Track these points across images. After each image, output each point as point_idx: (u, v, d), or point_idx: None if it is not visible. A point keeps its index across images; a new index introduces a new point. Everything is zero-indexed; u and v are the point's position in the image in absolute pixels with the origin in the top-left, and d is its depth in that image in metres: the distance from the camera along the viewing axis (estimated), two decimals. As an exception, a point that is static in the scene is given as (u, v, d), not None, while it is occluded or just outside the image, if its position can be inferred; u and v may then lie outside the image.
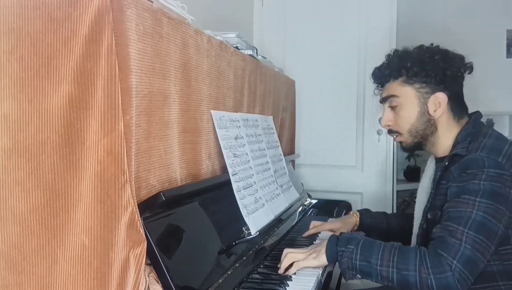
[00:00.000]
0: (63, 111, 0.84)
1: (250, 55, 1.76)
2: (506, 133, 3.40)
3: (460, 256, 1.11)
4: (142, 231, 0.87)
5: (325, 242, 1.30)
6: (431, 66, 1.33)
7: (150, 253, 0.92)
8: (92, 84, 0.84)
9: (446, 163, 1.31)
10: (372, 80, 1.50)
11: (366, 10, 2.74)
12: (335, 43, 2.78)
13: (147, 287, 0.90)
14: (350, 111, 2.79)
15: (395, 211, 2.79)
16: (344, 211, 2.23)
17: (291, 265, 1.30)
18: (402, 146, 1.44)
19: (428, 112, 1.34)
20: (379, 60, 2.86)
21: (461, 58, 1.37)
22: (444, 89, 1.33)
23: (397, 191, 2.86)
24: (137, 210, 0.87)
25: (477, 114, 1.39)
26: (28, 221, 0.85)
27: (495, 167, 1.18)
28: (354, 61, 2.77)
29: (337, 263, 1.29)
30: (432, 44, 1.39)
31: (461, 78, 1.37)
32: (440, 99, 1.33)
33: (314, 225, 1.69)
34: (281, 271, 1.29)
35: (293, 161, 2.50)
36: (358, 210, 1.74)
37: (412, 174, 3.18)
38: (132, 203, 0.85)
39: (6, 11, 0.85)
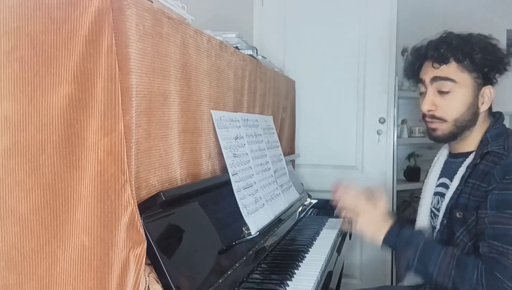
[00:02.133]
0: (63, 111, 0.84)
1: (250, 55, 1.76)
2: (506, 133, 3.39)
3: None
4: (142, 231, 0.87)
5: (388, 222, 1.30)
6: (494, 57, 1.28)
7: (150, 253, 0.92)
8: (92, 84, 0.84)
9: (478, 161, 1.27)
10: (415, 55, 1.37)
11: (366, 10, 2.74)
12: (335, 43, 2.78)
13: (147, 287, 0.90)
14: (350, 111, 2.79)
15: (395, 211, 2.79)
16: (344, 211, 2.23)
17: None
18: (436, 134, 1.33)
19: (477, 104, 1.29)
20: (379, 60, 2.87)
21: (508, 56, 1.33)
22: (494, 84, 1.30)
23: (397, 191, 2.86)
24: (137, 210, 0.87)
25: (502, 114, 1.36)
26: (28, 221, 0.85)
27: None
28: (354, 61, 2.77)
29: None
30: (490, 35, 1.34)
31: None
32: (488, 93, 1.29)
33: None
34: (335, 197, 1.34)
35: (293, 161, 2.50)
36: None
37: (412, 174, 3.18)
38: (132, 203, 0.85)
39: (6, 11, 0.85)
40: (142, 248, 0.87)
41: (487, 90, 1.30)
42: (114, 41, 0.83)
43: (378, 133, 2.74)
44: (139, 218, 0.87)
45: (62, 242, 0.84)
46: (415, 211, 3.30)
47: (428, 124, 1.35)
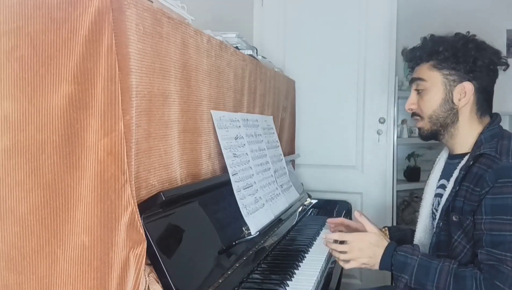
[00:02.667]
0: (63, 111, 0.84)
1: (250, 55, 1.76)
2: (506, 133, 3.39)
3: None
4: (142, 231, 0.87)
5: (382, 247, 1.29)
6: (462, 53, 1.30)
7: (150, 253, 0.92)
8: (92, 84, 0.84)
9: (471, 163, 1.28)
10: (403, 60, 1.48)
11: (366, 10, 2.74)
12: (335, 43, 2.78)
13: (147, 287, 0.90)
14: (350, 111, 2.79)
15: (395, 211, 2.79)
16: (344, 211, 2.23)
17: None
18: (420, 133, 1.41)
19: (452, 100, 1.32)
20: (379, 60, 2.87)
21: (497, 52, 1.34)
22: (472, 79, 1.31)
23: (397, 191, 2.86)
24: (137, 210, 0.87)
25: (499, 116, 1.36)
26: (28, 221, 0.85)
27: None
28: (354, 61, 2.77)
29: None
30: (468, 32, 1.36)
31: (493, 72, 1.34)
32: (466, 88, 1.30)
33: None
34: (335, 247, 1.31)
35: (293, 161, 2.50)
36: (384, 227, 1.67)
37: (412, 174, 3.18)
38: (132, 203, 0.85)
39: (6, 11, 0.85)
40: (142, 248, 0.87)
41: (462, 86, 1.31)
42: (114, 41, 0.83)
43: (378, 133, 2.74)
44: (139, 218, 0.87)
45: (62, 242, 0.84)
46: (415, 211, 3.30)
47: (414, 122, 1.43)
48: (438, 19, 3.14)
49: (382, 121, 2.72)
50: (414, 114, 1.40)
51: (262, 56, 2.07)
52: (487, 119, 1.35)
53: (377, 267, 1.28)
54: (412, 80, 1.40)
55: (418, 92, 1.37)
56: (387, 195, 2.76)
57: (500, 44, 3.34)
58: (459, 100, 1.31)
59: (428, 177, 1.51)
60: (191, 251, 1.07)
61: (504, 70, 1.36)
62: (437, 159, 1.49)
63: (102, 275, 0.84)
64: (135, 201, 0.87)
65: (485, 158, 1.24)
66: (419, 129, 1.41)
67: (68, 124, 0.84)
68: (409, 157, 3.20)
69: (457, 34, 1.35)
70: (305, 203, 2.18)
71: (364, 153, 2.78)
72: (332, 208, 2.26)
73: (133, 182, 0.88)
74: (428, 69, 1.35)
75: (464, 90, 1.31)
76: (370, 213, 2.71)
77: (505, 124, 3.46)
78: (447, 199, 1.33)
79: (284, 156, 2.02)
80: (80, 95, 0.84)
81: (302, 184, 2.34)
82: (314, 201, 2.30)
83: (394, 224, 2.76)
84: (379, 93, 2.73)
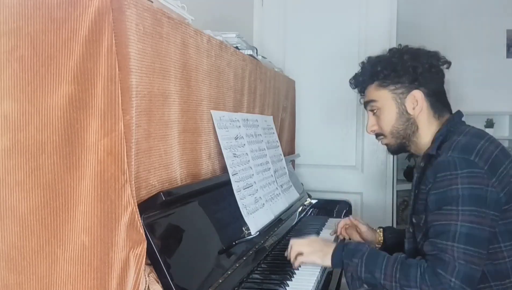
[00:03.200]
0: (63, 111, 0.84)
1: (250, 55, 1.76)
2: (506, 133, 3.39)
3: (457, 273, 1.11)
4: (142, 231, 0.87)
5: (333, 245, 1.32)
6: (400, 66, 1.33)
7: (150, 253, 0.92)
8: (92, 84, 0.84)
9: (422, 165, 1.32)
10: (351, 88, 1.51)
11: (366, 10, 2.74)
12: (335, 43, 2.78)
13: (147, 287, 0.90)
14: (350, 111, 2.79)
15: (395, 211, 2.79)
16: (344, 211, 2.23)
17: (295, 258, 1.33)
18: (388, 149, 1.45)
19: (406, 112, 1.34)
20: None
21: (434, 54, 1.36)
22: (419, 86, 1.33)
23: (397, 191, 2.86)
24: (137, 210, 0.87)
25: (457, 113, 1.37)
26: (28, 221, 0.85)
27: (467, 167, 1.16)
28: (354, 61, 2.74)
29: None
30: (400, 44, 1.40)
31: (437, 74, 1.36)
32: (416, 97, 1.33)
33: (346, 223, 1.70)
34: (291, 257, 1.34)
35: (293, 161, 2.50)
36: (379, 227, 1.69)
37: (412, 174, 3.17)
38: (132, 203, 0.85)
39: (6, 11, 0.85)
40: (142, 248, 0.87)
41: (412, 96, 1.33)
42: (114, 41, 0.83)
43: (378, 133, 2.74)
44: (139, 218, 0.87)
45: (62, 242, 0.84)
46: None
47: (380, 142, 1.46)
48: (438, 19, 3.15)
49: (382, 121, 2.72)
50: (377, 135, 1.43)
51: (262, 56, 2.07)
52: (446, 118, 1.36)
53: (329, 261, 1.29)
54: (366, 104, 1.43)
55: (374, 113, 1.40)
56: (387, 195, 2.76)
57: (500, 44, 3.36)
58: (413, 109, 1.34)
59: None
60: (191, 251, 1.07)
61: (447, 68, 1.37)
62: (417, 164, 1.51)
63: (102, 275, 0.84)
64: (135, 201, 0.87)
65: (431, 158, 1.28)
66: (386, 145, 1.44)
67: (68, 124, 0.84)
68: (409, 157, 3.20)
69: (390, 49, 1.40)
70: (305, 203, 2.18)
71: (364, 153, 2.79)
72: (332, 208, 2.26)
73: (133, 182, 0.88)
74: (375, 89, 1.38)
75: (415, 98, 1.33)
76: (370, 213, 2.71)
77: (505, 124, 3.46)
78: (410, 204, 1.37)
79: (284, 156, 2.02)
80: (80, 95, 0.84)
81: (302, 184, 2.34)
82: (314, 201, 2.30)
83: (394, 224, 2.77)
84: (379, 93, 2.72)
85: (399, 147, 1.41)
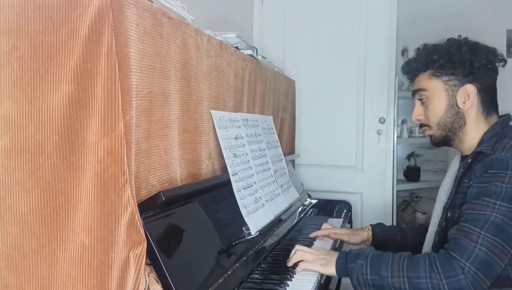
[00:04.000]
0: (63, 111, 0.84)
1: (250, 55, 1.76)
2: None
3: (474, 258, 1.10)
4: (142, 231, 0.87)
5: (336, 254, 1.30)
6: (458, 58, 1.31)
7: (150, 253, 0.92)
8: (92, 84, 0.84)
9: (469, 161, 1.30)
10: (402, 74, 1.49)
11: (366, 10, 2.74)
12: (335, 43, 2.77)
13: (147, 287, 0.90)
14: (350, 111, 2.79)
15: (395, 211, 2.79)
16: (344, 211, 2.23)
17: (297, 263, 1.32)
18: (432, 140, 1.42)
19: (457, 105, 1.33)
20: (379, 60, 2.87)
21: (492, 50, 1.35)
22: (473, 80, 1.31)
23: (397, 191, 2.86)
24: (137, 210, 0.87)
25: (507, 116, 1.37)
26: (28, 221, 0.85)
27: None
28: (354, 61, 2.77)
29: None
30: (460, 36, 1.38)
31: (492, 71, 1.35)
32: (469, 91, 1.31)
33: (325, 228, 1.70)
34: (289, 264, 1.32)
35: (293, 161, 2.50)
36: (370, 225, 1.70)
37: (412, 174, 3.18)
38: (132, 203, 0.85)
39: (6, 11, 0.85)
40: (142, 248, 0.87)
41: (464, 89, 1.32)
42: (114, 41, 0.83)
43: (378, 133, 2.74)
44: (139, 218, 0.87)
45: (62, 242, 0.84)
46: (415, 211, 3.30)
47: (424, 132, 1.44)
48: (438, 19, 3.14)
49: (382, 121, 2.72)
50: (422, 125, 1.41)
51: (262, 56, 2.07)
52: (493, 119, 1.36)
53: (332, 269, 1.28)
54: (414, 92, 1.41)
55: (422, 102, 1.38)
56: (387, 195, 2.76)
57: (500, 44, 3.35)
58: (464, 103, 1.32)
59: (444, 179, 1.52)
60: (191, 251, 1.07)
61: (503, 66, 1.37)
62: (452, 161, 1.50)
63: (102, 275, 0.84)
64: (135, 201, 0.87)
65: (482, 156, 1.26)
66: (430, 137, 1.41)
67: (68, 124, 0.84)
68: (409, 157, 3.20)
69: (449, 39, 1.37)
70: (305, 203, 2.18)
71: (364, 153, 2.78)
72: (332, 208, 2.26)
73: (133, 182, 0.88)
74: (427, 78, 1.36)
75: (467, 92, 1.32)
76: (370, 213, 2.72)
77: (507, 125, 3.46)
78: (447, 198, 1.34)
79: (284, 156, 2.02)
80: (80, 95, 0.84)
81: (302, 184, 2.34)
82: (314, 201, 2.30)
83: (394, 224, 2.76)
84: (379, 93, 2.73)
85: (444, 140, 1.39)
